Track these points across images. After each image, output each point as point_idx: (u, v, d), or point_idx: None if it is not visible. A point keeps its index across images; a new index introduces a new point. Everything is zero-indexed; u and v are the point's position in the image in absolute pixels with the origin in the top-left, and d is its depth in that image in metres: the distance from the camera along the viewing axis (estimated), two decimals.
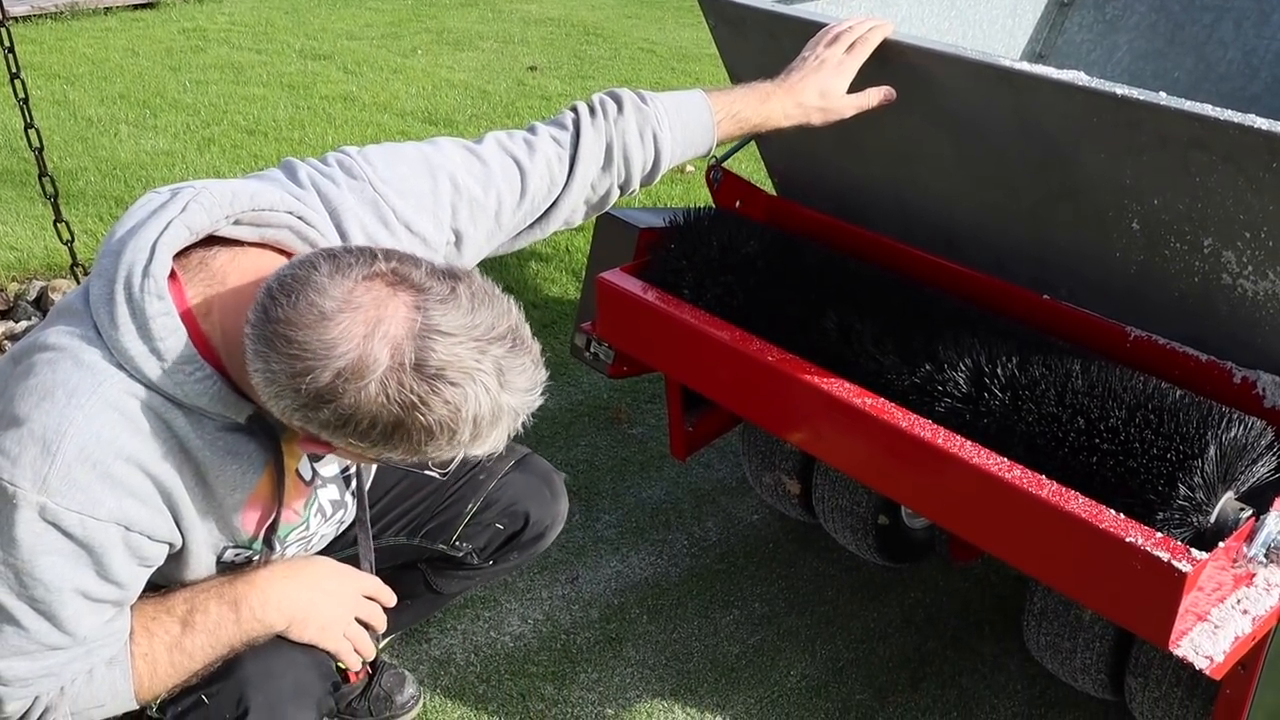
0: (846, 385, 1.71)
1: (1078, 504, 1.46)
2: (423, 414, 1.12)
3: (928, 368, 1.69)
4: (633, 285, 2.01)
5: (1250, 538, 1.44)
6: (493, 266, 3.66)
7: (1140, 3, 2.60)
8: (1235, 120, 1.38)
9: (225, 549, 1.38)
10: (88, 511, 1.18)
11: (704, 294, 1.96)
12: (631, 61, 6.38)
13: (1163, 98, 1.45)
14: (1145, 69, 2.59)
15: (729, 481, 2.64)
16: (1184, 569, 1.35)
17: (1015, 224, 1.82)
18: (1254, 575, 1.49)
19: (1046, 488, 1.49)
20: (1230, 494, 1.51)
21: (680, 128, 1.63)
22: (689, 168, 4.85)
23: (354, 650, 1.48)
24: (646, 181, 1.65)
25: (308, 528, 1.50)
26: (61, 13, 7.05)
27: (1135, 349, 1.73)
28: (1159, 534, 1.41)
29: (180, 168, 4.46)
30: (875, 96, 1.71)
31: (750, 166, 2.89)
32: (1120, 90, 1.48)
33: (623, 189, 1.63)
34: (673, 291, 1.99)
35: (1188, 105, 1.43)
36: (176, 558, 1.34)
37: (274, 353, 1.11)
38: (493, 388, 1.14)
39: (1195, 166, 1.48)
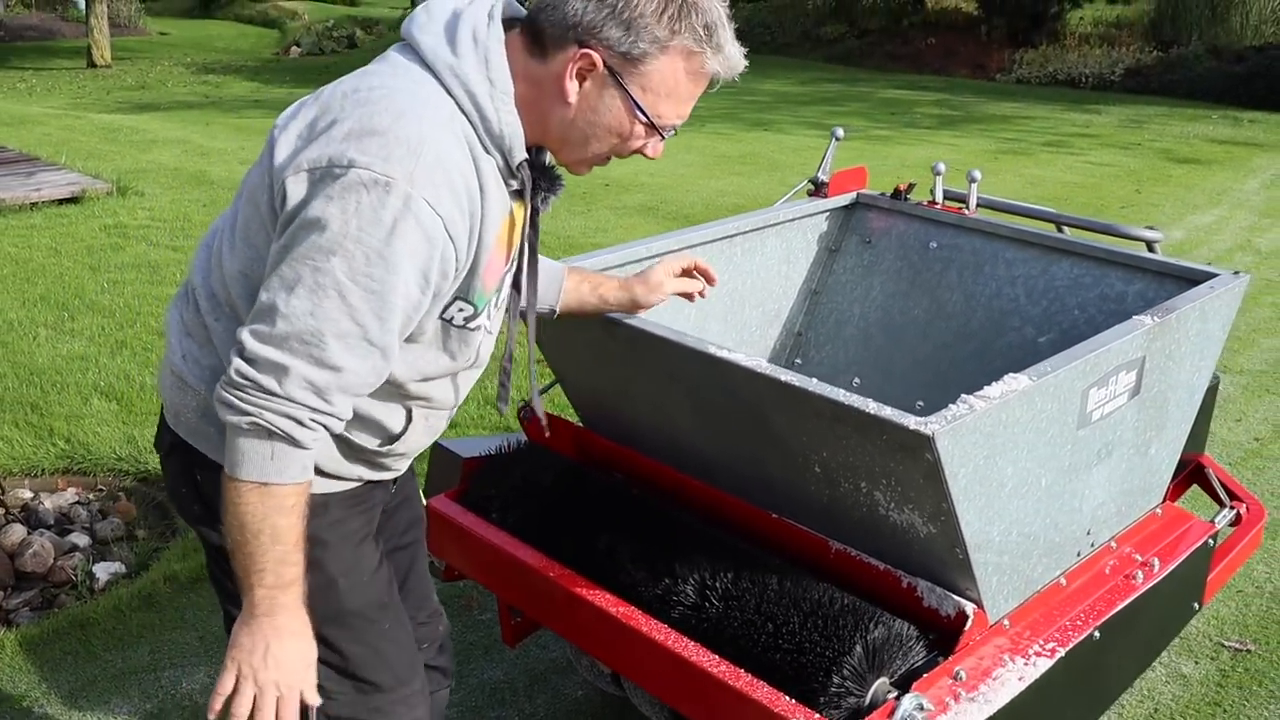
0: (607, 596, 2.17)
1: (762, 692, 1.92)
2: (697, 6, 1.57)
3: (667, 581, 2.16)
4: (453, 510, 2.48)
5: (891, 713, 1.90)
6: None
7: (889, 252, 3.18)
8: (856, 405, 1.89)
9: (452, 302, 1.65)
10: (437, 206, 1.48)
11: (508, 518, 2.43)
12: None
13: (813, 384, 1.96)
14: (894, 306, 3.15)
15: (560, 660, 3.06)
16: None
17: (743, 459, 2.31)
18: None
19: (742, 679, 1.96)
20: (884, 679, 1.98)
21: None
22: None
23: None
24: None
25: (496, 301, 1.76)
26: None
27: (836, 559, 2.21)
28: (819, 715, 1.87)
29: (93, 371, 4.85)
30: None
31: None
32: (784, 376, 1.99)
33: None
34: (484, 516, 2.45)
35: (827, 391, 1.94)
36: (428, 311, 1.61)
37: None
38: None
39: (840, 433, 1.99)
